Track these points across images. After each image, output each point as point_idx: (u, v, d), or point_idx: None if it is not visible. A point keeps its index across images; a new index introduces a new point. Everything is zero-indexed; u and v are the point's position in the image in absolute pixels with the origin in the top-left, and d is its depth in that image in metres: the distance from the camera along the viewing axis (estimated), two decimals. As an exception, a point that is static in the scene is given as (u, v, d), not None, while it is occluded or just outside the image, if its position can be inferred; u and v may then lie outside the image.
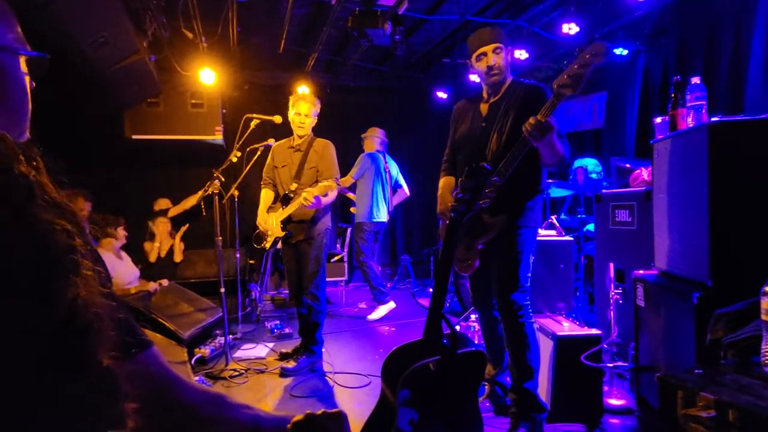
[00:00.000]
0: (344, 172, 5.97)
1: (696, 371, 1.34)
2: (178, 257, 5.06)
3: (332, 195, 3.30)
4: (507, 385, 2.67)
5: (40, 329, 0.44)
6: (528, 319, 2.29)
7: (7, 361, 0.42)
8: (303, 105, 3.36)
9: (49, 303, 0.45)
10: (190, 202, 5.26)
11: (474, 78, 5.53)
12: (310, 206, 3.13)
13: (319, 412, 0.79)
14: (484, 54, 2.30)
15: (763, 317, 1.32)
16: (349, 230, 6.12)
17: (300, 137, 3.42)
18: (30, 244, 0.44)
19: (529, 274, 2.32)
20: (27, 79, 0.76)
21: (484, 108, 2.40)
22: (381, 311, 4.81)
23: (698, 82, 2.19)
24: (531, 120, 1.98)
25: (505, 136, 2.24)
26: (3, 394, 0.42)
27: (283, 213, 3.34)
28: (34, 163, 0.51)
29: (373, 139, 5.09)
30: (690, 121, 2.19)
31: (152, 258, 4.91)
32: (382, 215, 4.96)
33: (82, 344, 0.47)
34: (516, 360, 2.30)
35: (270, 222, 3.38)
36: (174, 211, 5.24)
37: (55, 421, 0.45)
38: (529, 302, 2.31)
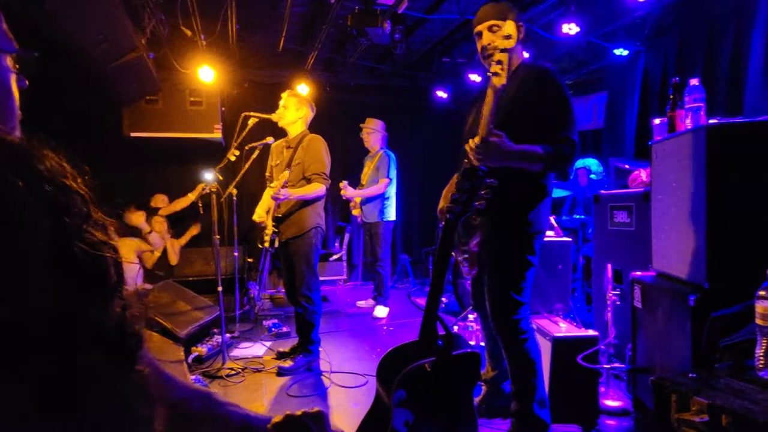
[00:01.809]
0: (344, 171, 6.01)
1: (690, 375, 1.33)
2: (173, 260, 5.05)
3: (314, 192, 3.26)
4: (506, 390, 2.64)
5: (98, 339, 0.47)
6: (524, 334, 2.07)
7: (69, 362, 0.45)
8: (282, 96, 3.44)
9: (106, 313, 0.48)
10: (181, 203, 5.25)
11: (473, 77, 5.53)
12: (279, 199, 3.16)
13: (299, 412, 0.79)
14: (480, 33, 2.08)
15: (758, 321, 1.32)
16: (348, 229, 6.12)
17: (290, 133, 3.44)
18: (87, 262, 0.47)
19: (525, 285, 2.07)
20: (14, 77, 0.75)
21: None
22: (384, 311, 4.83)
23: (697, 83, 2.18)
24: (470, 143, 1.84)
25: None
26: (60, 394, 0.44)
27: (261, 206, 3.44)
28: (74, 176, 0.52)
29: (378, 135, 4.98)
30: (688, 123, 2.18)
31: (149, 264, 4.88)
32: (394, 214, 4.97)
33: (130, 353, 0.51)
34: (516, 380, 2.12)
35: (264, 218, 3.41)
36: (165, 210, 5.22)
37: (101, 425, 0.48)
38: (523, 317, 2.08)
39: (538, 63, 2.10)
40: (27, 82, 0.79)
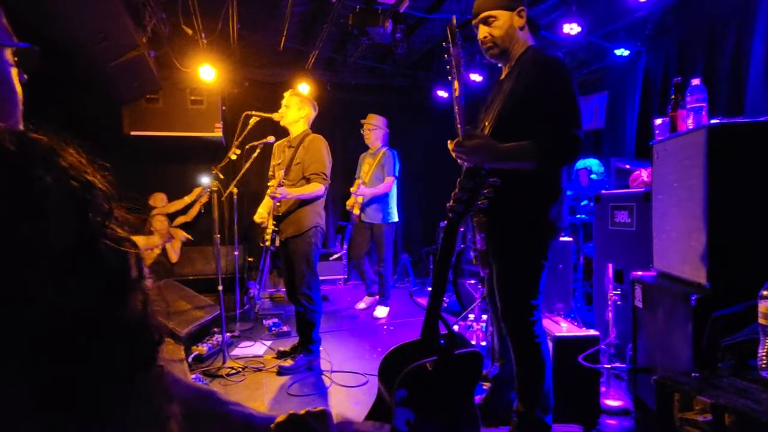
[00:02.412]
0: (345, 170, 6.00)
1: (693, 374, 1.33)
2: (173, 258, 5.05)
3: (312, 191, 3.25)
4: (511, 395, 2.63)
5: (121, 334, 0.47)
6: (536, 338, 2.01)
7: (91, 355, 0.45)
8: (285, 95, 3.44)
9: (128, 309, 0.48)
10: (176, 205, 5.24)
11: (474, 77, 5.53)
12: (277, 198, 3.15)
13: (302, 411, 0.79)
14: (477, 28, 2.07)
15: (761, 320, 1.32)
16: (348, 228, 6.11)
17: (292, 132, 3.44)
18: (111, 258, 0.47)
19: (536, 287, 2.00)
20: (15, 71, 0.74)
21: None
22: (384, 310, 4.81)
23: (698, 83, 2.18)
24: (448, 145, 1.84)
25: (495, 123, 1.99)
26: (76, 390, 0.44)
27: (263, 207, 3.43)
28: (95, 172, 0.52)
29: (381, 132, 4.92)
30: (690, 123, 2.18)
31: (148, 262, 4.88)
32: (396, 215, 4.95)
33: (152, 348, 0.51)
34: (522, 380, 2.08)
35: (265, 219, 3.40)
36: (160, 210, 5.21)
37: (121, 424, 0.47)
38: (535, 319, 2.01)
39: (545, 51, 1.98)
40: (26, 76, 0.79)
